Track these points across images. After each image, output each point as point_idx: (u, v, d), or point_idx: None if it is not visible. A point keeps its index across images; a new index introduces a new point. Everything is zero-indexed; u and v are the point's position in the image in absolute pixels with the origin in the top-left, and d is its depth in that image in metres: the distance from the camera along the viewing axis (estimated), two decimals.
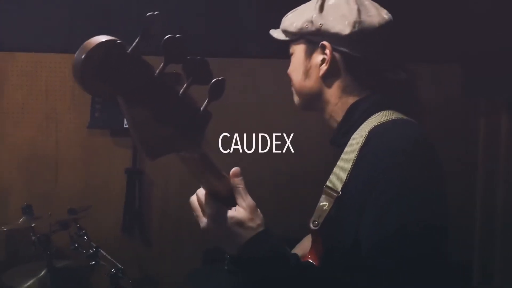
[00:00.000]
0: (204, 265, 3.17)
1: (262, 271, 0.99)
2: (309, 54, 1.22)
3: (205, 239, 3.02)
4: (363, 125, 1.14)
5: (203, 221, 1.01)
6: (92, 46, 0.72)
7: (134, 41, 0.76)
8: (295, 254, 1.04)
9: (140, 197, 3.38)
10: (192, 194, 1.05)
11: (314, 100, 1.25)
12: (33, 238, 2.48)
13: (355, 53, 1.17)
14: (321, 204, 1.12)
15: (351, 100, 1.20)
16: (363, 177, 1.06)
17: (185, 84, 0.85)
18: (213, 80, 0.88)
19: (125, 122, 3.22)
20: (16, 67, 3.24)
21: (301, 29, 1.22)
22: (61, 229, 2.72)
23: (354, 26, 1.15)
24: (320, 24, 1.18)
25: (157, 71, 0.80)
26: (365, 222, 1.03)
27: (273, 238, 1.01)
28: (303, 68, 1.23)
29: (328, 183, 1.13)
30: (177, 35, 0.80)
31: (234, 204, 1.00)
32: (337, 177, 1.11)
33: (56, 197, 3.26)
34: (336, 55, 1.18)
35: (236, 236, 0.98)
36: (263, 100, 3.37)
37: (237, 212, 0.99)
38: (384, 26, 1.17)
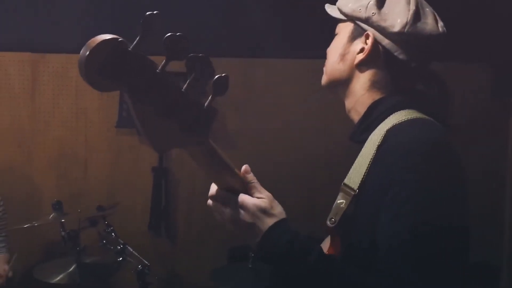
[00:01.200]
0: (229, 263, 3.19)
1: (285, 257, 1.01)
2: (352, 39, 1.20)
3: (230, 237, 3.05)
4: (382, 123, 1.13)
5: (227, 212, 1.04)
6: (95, 43, 0.75)
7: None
8: (317, 244, 1.05)
9: (166, 195, 3.43)
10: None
11: (341, 86, 1.23)
12: (63, 234, 2.54)
13: (397, 53, 1.15)
14: (338, 201, 1.12)
15: (377, 96, 1.18)
16: (379, 177, 1.05)
17: (188, 81, 0.87)
18: (216, 76, 0.90)
19: None
20: (47, 67, 3.32)
21: (353, 11, 1.19)
22: (89, 226, 2.78)
23: (404, 27, 1.13)
24: (373, 13, 1.15)
25: (159, 68, 0.83)
26: (380, 223, 1.03)
27: (295, 227, 1.04)
28: (341, 50, 1.22)
29: (346, 181, 1.12)
30: (178, 33, 0.82)
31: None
32: (355, 175, 1.11)
33: (85, 194, 3.34)
34: (378, 48, 1.16)
35: (260, 223, 1.01)
36: (283, 100, 3.38)
37: (260, 200, 1.02)
38: (434, 37, 1.15)
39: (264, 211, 1.01)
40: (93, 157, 3.39)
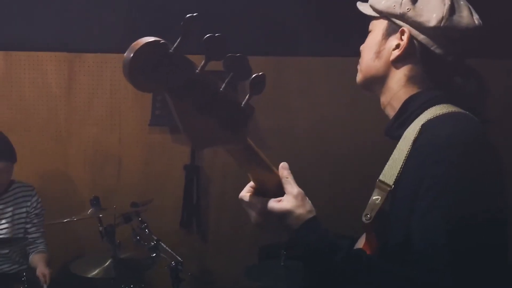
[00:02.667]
0: (261, 260, 3.20)
1: (314, 256, 1.03)
2: (386, 35, 1.20)
3: (261, 235, 3.06)
4: (418, 118, 1.12)
5: (253, 215, 1.07)
6: (139, 46, 0.78)
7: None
8: (347, 241, 1.06)
9: (197, 193, 3.46)
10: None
11: (376, 83, 1.23)
12: (100, 229, 2.59)
13: (433, 48, 1.14)
14: (373, 198, 1.12)
15: (413, 91, 1.18)
16: (415, 171, 1.05)
17: (226, 80, 0.88)
18: (253, 76, 0.91)
19: None
20: (83, 67, 3.40)
21: (387, 8, 1.18)
22: (124, 222, 2.82)
23: (440, 21, 1.12)
24: (408, 9, 1.15)
25: (198, 68, 0.85)
26: (414, 216, 1.02)
27: (323, 226, 1.05)
28: (376, 48, 1.21)
29: (381, 177, 1.12)
30: (217, 34, 0.84)
31: (282, 194, 1.05)
32: (390, 171, 1.10)
33: (119, 191, 3.40)
34: (414, 44, 1.16)
35: (286, 226, 1.04)
36: (316, 98, 3.37)
37: (285, 202, 1.04)
38: (471, 30, 1.14)
39: (291, 213, 1.04)
40: (126, 154, 3.45)
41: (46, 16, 3.33)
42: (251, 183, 1.09)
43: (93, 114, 3.42)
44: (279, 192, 1.06)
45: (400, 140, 1.12)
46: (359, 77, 1.27)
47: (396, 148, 1.13)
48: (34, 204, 2.95)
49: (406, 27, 1.16)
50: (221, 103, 0.89)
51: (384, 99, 1.23)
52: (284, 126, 3.38)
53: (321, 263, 1.03)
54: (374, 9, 1.23)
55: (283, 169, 1.06)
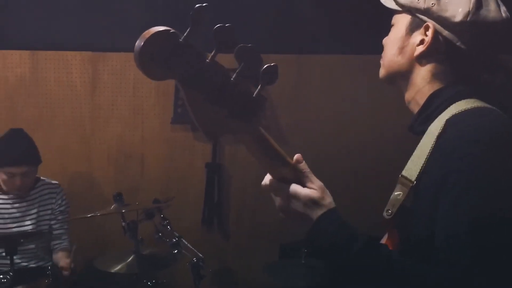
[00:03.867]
0: (281, 258, 3.20)
1: (333, 246, 1.04)
2: (410, 30, 1.17)
3: (281, 233, 3.06)
4: (442, 113, 1.10)
5: (277, 200, 1.08)
6: (149, 35, 0.81)
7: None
8: (366, 234, 1.06)
9: (219, 191, 3.48)
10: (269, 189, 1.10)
11: (400, 78, 1.21)
12: (123, 224, 2.62)
13: (458, 43, 1.11)
14: (395, 193, 1.11)
15: (437, 86, 1.16)
16: (438, 167, 1.03)
17: (237, 70, 0.89)
18: (265, 66, 0.92)
19: None
20: (107, 66, 3.45)
21: (411, 2, 1.16)
22: (146, 218, 2.85)
23: (467, 16, 1.09)
24: (432, 4, 1.12)
25: (209, 58, 0.86)
26: (439, 212, 1.01)
27: (343, 217, 1.06)
28: (399, 43, 1.19)
29: (404, 172, 1.11)
30: (226, 24, 0.85)
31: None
32: (413, 167, 1.09)
33: (142, 188, 3.45)
34: (439, 39, 1.13)
35: (311, 212, 1.05)
36: (336, 96, 3.36)
37: (308, 190, 1.05)
38: (498, 24, 1.11)
39: (315, 202, 1.05)
40: (149, 152, 3.49)
41: (71, 16, 3.39)
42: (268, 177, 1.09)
43: (117, 112, 3.47)
44: (296, 182, 1.06)
45: (424, 136, 1.11)
46: (381, 72, 1.26)
47: (420, 143, 1.11)
48: (59, 202, 3.01)
49: (430, 23, 1.14)
50: (232, 93, 0.90)
51: (408, 94, 1.22)
52: (305, 124, 3.38)
53: (339, 254, 1.04)
54: (397, 3, 1.21)
55: (299, 162, 1.06)
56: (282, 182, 1.06)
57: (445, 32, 1.13)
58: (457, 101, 1.11)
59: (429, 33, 1.14)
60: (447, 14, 1.12)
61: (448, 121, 1.07)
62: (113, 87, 3.46)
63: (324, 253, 1.06)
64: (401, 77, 1.21)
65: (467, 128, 1.04)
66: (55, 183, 3.05)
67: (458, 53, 1.13)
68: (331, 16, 3.22)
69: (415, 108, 1.21)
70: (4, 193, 2.86)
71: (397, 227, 1.16)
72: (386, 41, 1.25)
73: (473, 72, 1.17)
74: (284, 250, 3.23)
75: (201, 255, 2.75)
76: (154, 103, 3.45)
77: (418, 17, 1.16)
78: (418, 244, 1.08)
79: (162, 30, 0.81)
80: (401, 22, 1.20)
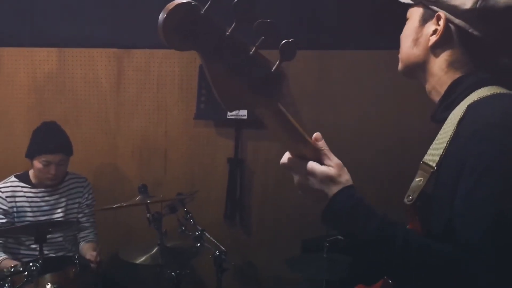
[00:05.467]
0: (303, 252, 3.21)
1: (349, 223, 1.03)
2: (423, 22, 1.19)
3: (303, 228, 3.06)
4: (464, 100, 1.11)
5: (296, 177, 1.08)
6: (172, 7, 0.83)
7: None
8: (384, 214, 1.05)
9: (241, 186, 3.51)
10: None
11: (418, 70, 1.23)
12: (148, 215, 2.67)
13: (471, 30, 1.12)
14: (416, 179, 1.11)
15: (456, 75, 1.16)
16: (458, 151, 1.04)
17: (256, 44, 0.91)
18: (283, 41, 0.93)
19: (228, 113, 3.37)
20: (131, 62, 3.51)
21: None
22: (170, 212, 2.90)
23: (476, 2, 1.10)
24: None
25: (229, 30, 0.88)
26: (458, 196, 1.01)
27: (360, 194, 1.05)
28: (414, 35, 1.21)
29: (425, 159, 1.12)
30: None
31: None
32: (434, 153, 1.10)
33: (165, 183, 3.50)
34: (450, 28, 1.15)
35: (327, 189, 1.05)
36: (358, 91, 3.36)
37: (327, 168, 1.05)
38: (510, 8, 1.10)
39: (332, 179, 1.04)
40: (172, 147, 3.54)
41: (97, 14, 3.47)
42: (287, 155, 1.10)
43: (141, 108, 3.53)
44: (314, 160, 1.06)
45: (445, 122, 1.12)
46: (400, 66, 1.28)
47: (441, 130, 1.12)
48: (86, 195, 3.08)
49: (441, 12, 1.15)
50: (251, 66, 0.91)
51: (428, 85, 1.23)
52: (327, 119, 3.39)
53: (356, 231, 1.03)
54: None
55: (318, 140, 1.07)
56: (300, 159, 1.07)
57: (457, 21, 1.13)
58: (479, 88, 1.12)
59: (441, 22, 1.15)
60: (457, 2, 1.13)
61: (469, 107, 1.08)
62: (137, 83, 3.52)
63: (340, 231, 1.06)
64: (419, 68, 1.22)
65: (487, 112, 1.05)
66: (83, 177, 3.12)
67: (472, 40, 1.13)
68: (352, 11, 3.22)
69: (436, 98, 1.22)
70: (34, 186, 2.94)
71: (418, 213, 1.16)
72: (402, 36, 1.27)
73: (491, 59, 1.16)
74: (305, 245, 3.23)
75: (223, 249, 2.78)
76: (177, 99, 3.50)
77: (430, 8, 1.18)
78: (439, 229, 1.08)
79: (184, 2, 0.84)
80: (414, 15, 1.22)
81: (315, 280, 3.04)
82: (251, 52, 0.91)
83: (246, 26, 0.87)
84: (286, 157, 1.09)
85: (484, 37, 1.12)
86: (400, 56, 1.27)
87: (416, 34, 1.21)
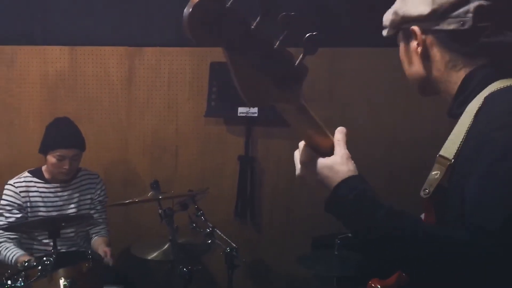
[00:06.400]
0: (313, 251, 3.21)
1: (354, 213, 1.03)
2: (407, 42, 1.24)
3: (314, 226, 3.04)
4: (481, 93, 1.12)
5: (298, 167, 1.11)
6: (197, 0, 0.82)
7: None
8: (389, 204, 1.04)
9: (252, 183, 3.51)
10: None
11: (426, 83, 1.25)
12: (160, 211, 2.69)
13: (445, 28, 1.16)
14: (433, 173, 1.12)
15: (461, 72, 1.18)
16: (475, 142, 1.04)
17: (280, 38, 0.90)
18: (307, 35, 0.93)
19: (239, 111, 3.37)
20: (142, 60, 3.53)
21: (392, 21, 1.25)
22: (181, 209, 2.90)
23: (432, 3, 1.16)
24: (403, 12, 1.21)
25: (254, 24, 0.87)
26: (470, 180, 1.01)
27: (365, 184, 1.05)
28: (407, 57, 1.26)
29: (441, 152, 1.12)
30: None
31: None
32: (450, 145, 1.10)
33: (176, 180, 3.51)
34: (428, 35, 1.19)
35: (326, 179, 1.06)
36: (370, 89, 3.35)
37: (327, 158, 1.07)
38: None
39: (331, 168, 1.06)
40: (183, 145, 3.55)
41: (108, 13, 3.49)
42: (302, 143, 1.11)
43: (152, 105, 3.55)
44: (330, 155, 1.07)
45: (462, 114, 1.12)
46: (415, 89, 1.31)
47: (458, 123, 1.12)
48: (98, 192, 3.10)
49: (412, 27, 1.20)
50: (275, 61, 0.90)
51: (441, 93, 1.25)
52: (339, 117, 3.38)
53: (360, 220, 1.03)
54: (387, 28, 1.29)
55: (338, 132, 1.09)
56: (318, 154, 1.08)
57: (427, 26, 1.18)
58: (494, 81, 1.13)
59: (417, 34, 1.20)
60: (417, 13, 1.18)
61: (486, 98, 1.09)
62: (148, 81, 3.54)
63: (344, 221, 1.06)
64: (426, 81, 1.25)
65: (504, 102, 1.06)
66: (95, 174, 3.15)
67: (452, 37, 1.16)
68: (365, 8, 3.21)
69: (450, 100, 1.23)
70: (47, 182, 2.97)
71: (434, 207, 1.16)
72: (401, 61, 1.31)
73: (481, 44, 1.16)
74: (316, 243, 3.23)
75: (234, 245, 2.79)
76: (188, 97, 3.51)
77: (404, 28, 1.23)
78: (454, 221, 1.07)
79: None
80: (399, 40, 1.28)
81: (326, 277, 3.04)
82: (275, 46, 0.90)
83: (269, 20, 0.87)
84: (301, 146, 1.10)
85: (459, 28, 1.14)
86: (409, 80, 1.31)
87: (407, 55, 1.26)
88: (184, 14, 0.83)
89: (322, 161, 1.07)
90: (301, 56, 0.94)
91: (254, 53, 0.88)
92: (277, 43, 0.90)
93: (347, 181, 1.05)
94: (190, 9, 0.82)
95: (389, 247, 1.02)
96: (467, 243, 0.96)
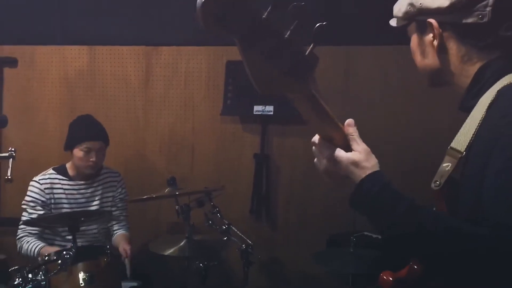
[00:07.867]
0: (329, 248, 3.21)
1: (376, 208, 1.05)
2: (421, 34, 1.24)
3: (329, 224, 3.04)
4: (493, 86, 1.12)
5: (323, 163, 1.11)
6: None
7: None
8: (411, 197, 1.06)
9: (267, 181, 3.53)
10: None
11: (438, 76, 1.26)
12: (177, 207, 2.72)
13: (463, 21, 1.15)
14: (444, 165, 1.12)
15: (476, 65, 1.18)
16: (488, 135, 1.05)
17: (291, 28, 0.91)
18: (317, 25, 0.94)
19: (254, 109, 3.39)
20: (159, 59, 3.57)
21: (406, 13, 1.24)
22: (197, 206, 2.93)
23: None
24: (420, 4, 1.20)
25: (265, 14, 0.88)
26: (487, 176, 1.02)
27: (387, 179, 1.07)
28: (419, 48, 1.26)
29: (453, 144, 1.13)
30: None
31: (349, 151, 1.09)
32: (462, 138, 1.11)
33: (193, 177, 3.54)
34: (445, 28, 1.19)
35: (352, 175, 1.08)
36: (385, 87, 3.34)
37: (352, 154, 1.08)
38: None
39: (357, 165, 1.07)
40: (199, 143, 3.58)
41: (126, 13, 3.55)
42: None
43: (168, 104, 3.59)
44: (344, 147, 1.09)
45: (475, 107, 1.13)
46: (426, 81, 1.31)
47: (470, 116, 1.13)
48: (120, 190, 3.15)
49: (430, 19, 1.20)
50: (286, 50, 0.91)
51: (454, 86, 1.25)
52: (355, 115, 3.32)
53: (384, 214, 1.05)
54: (399, 19, 1.29)
55: (349, 126, 1.10)
56: (329, 143, 1.09)
57: (446, 19, 1.17)
58: (507, 74, 1.13)
59: (434, 26, 1.19)
60: (436, 5, 1.18)
61: (499, 92, 1.09)
62: (165, 80, 3.58)
63: (368, 216, 1.08)
64: (440, 74, 1.25)
65: None
66: (117, 172, 3.20)
67: (469, 30, 1.16)
68: (380, 6, 3.20)
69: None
70: (71, 179, 3.02)
71: (445, 199, 1.17)
72: (412, 53, 1.31)
73: (497, 37, 1.16)
74: (331, 240, 3.23)
75: (250, 242, 2.81)
76: (204, 95, 3.55)
77: (420, 20, 1.23)
78: (465, 213, 1.08)
79: None
80: (412, 31, 1.28)
81: (342, 275, 3.04)
82: (286, 36, 0.91)
83: (280, 11, 0.88)
84: (317, 137, 1.11)
85: (476, 22, 1.14)
86: (420, 71, 1.31)
87: (421, 47, 1.26)
88: (197, 4, 0.85)
89: (347, 157, 1.08)
90: (311, 46, 0.95)
91: (265, 42, 0.89)
92: (288, 33, 0.91)
93: (371, 176, 1.07)
94: (203, 1, 0.84)
95: (412, 239, 1.04)
96: (488, 237, 0.97)
